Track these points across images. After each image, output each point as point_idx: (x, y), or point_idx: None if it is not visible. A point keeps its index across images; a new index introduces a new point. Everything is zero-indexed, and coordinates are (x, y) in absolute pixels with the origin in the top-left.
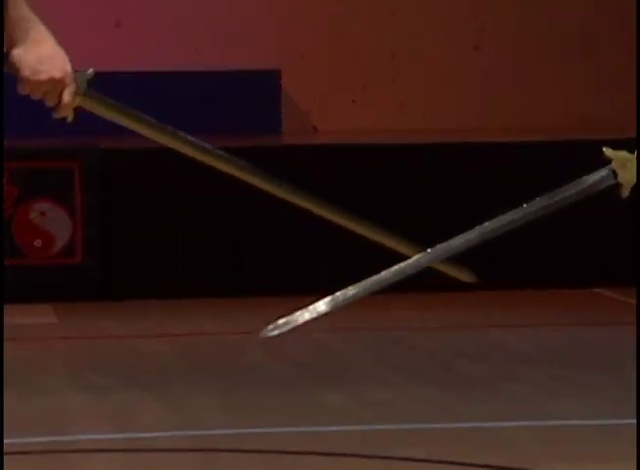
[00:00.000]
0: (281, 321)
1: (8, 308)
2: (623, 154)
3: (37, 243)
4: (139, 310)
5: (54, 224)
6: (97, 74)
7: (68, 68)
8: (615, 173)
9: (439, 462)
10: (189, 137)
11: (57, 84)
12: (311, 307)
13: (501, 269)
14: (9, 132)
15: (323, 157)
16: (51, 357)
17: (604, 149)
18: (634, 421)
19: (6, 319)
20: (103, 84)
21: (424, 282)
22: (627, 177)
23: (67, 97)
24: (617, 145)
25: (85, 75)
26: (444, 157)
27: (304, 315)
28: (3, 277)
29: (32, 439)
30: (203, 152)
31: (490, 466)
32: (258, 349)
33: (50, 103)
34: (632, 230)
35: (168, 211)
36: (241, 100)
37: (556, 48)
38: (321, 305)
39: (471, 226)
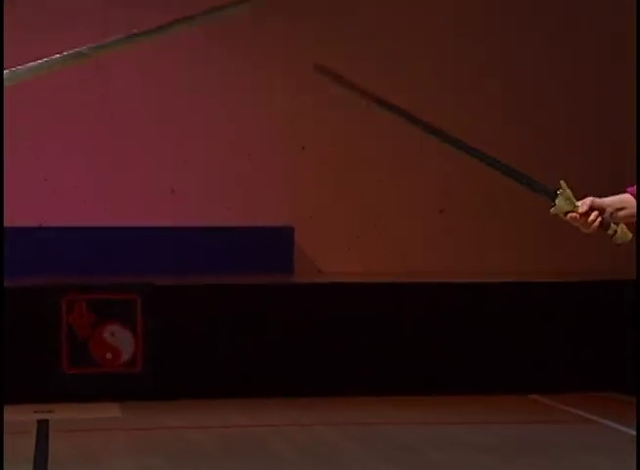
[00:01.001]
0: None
1: (87, 406)
2: (570, 195)
3: (108, 356)
4: (185, 407)
5: (121, 342)
6: (158, 229)
7: None
8: (555, 197)
9: None
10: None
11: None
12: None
13: (456, 378)
14: (90, 271)
15: (325, 292)
16: (116, 444)
17: (561, 182)
18: None
19: (85, 414)
20: (175, 237)
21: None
22: (558, 206)
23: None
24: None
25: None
26: (415, 293)
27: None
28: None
29: None
30: None
31: None
32: (279, 440)
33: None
34: (559, 347)
35: (207, 331)
36: (264, 248)
37: (509, 208)
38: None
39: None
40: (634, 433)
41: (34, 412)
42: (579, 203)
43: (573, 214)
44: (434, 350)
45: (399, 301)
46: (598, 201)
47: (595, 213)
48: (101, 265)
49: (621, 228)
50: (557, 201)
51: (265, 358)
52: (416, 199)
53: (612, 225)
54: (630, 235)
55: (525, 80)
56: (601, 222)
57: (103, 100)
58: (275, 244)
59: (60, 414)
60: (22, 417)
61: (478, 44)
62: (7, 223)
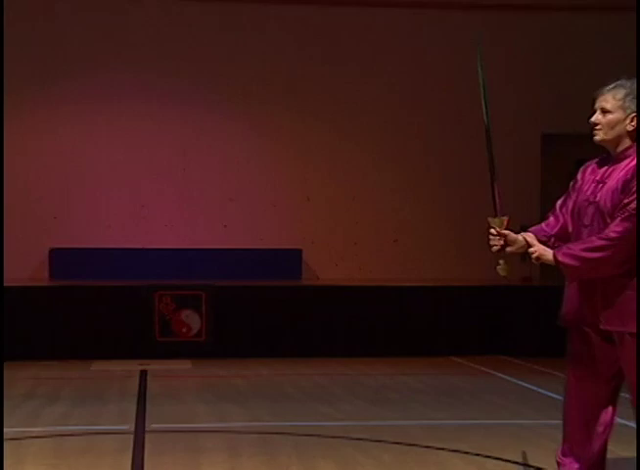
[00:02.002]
0: None
1: (170, 361)
2: (504, 221)
3: (184, 330)
4: (230, 363)
5: (192, 321)
6: (215, 250)
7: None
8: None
9: None
10: None
11: None
12: None
13: (405, 346)
14: (173, 277)
15: (321, 291)
16: (188, 385)
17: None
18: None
19: (169, 366)
20: (226, 255)
21: None
22: (492, 221)
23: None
24: None
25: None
26: (379, 291)
27: None
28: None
29: (170, 425)
30: None
31: None
32: (289, 385)
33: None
34: (470, 326)
35: (245, 315)
36: (283, 263)
37: (460, 239)
38: None
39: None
40: (516, 381)
41: (138, 365)
42: (504, 232)
43: (493, 230)
44: (394, 327)
45: (369, 296)
46: (512, 234)
47: (499, 240)
48: (180, 273)
49: (503, 264)
50: (494, 218)
51: (282, 331)
52: (378, 232)
53: (500, 261)
54: (505, 274)
55: None
56: (498, 249)
57: (183, 160)
58: (290, 260)
59: (153, 366)
60: (130, 368)
61: None
62: (118, 245)
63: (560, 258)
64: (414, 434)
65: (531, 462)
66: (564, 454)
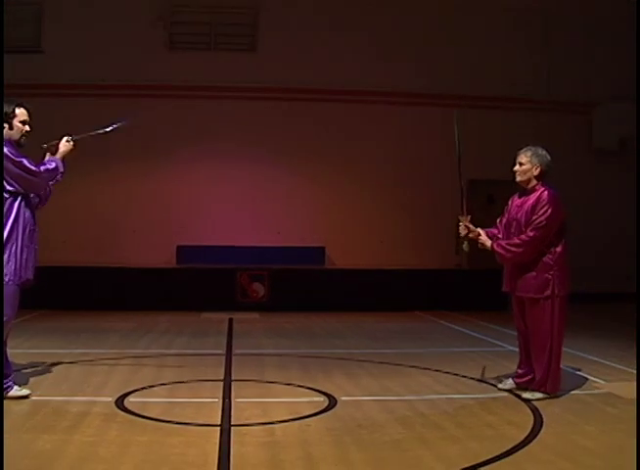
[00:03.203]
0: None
1: (246, 313)
2: (466, 218)
3: (254, 294)
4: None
5: (259, 289)
6: (273, 248)
7: None
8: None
9: None
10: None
11: None
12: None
13: (385, 305)
14: (250, 263)
15: (336, 272)
16: (257, 327)
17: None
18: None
19: (245, 316)
20: (279, 251)
21: None
22: (462, 219)
23: None
24: None
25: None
26: (375, 273)
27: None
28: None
29: (246, 350)
30: None
31: None
32: (319, 327)
33: None
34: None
35: (291, 288)
36: (313, 255)
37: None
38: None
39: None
40: (450, 325)
41: (227, 315)
42: (468, 224)
43: (461, 224)
44: (381, 293)
45: (367, 275)
46: (472, 226)
47: (464, 229)
48: (253, 260)
49: (466, 244)
50: (462, 216)
51: (313, 295)
52: (370, 236)
53: (464, 242)
54: (467, 250)
55: None
56: (465, 234)
57: (256, 194)
58: (318, 253)
59: (236, 316)
60: (223, 317)
61: None
62: (217, 243)
63: (494, 247)
64: (392, 357)
65: (466, 374)
66: (518, 367)
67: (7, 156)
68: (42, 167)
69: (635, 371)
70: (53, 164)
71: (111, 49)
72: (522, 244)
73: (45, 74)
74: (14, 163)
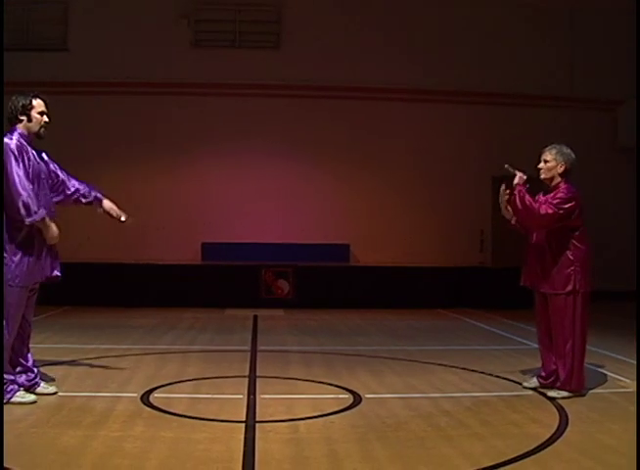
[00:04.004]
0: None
1: (271, 310)
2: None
3: (279, 291)
4: (308, 312)
5: (284, 286)
6: (300, 244)
7: None
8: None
9: None
10: None
11: None
12: None
13: (409, 302)
14: (275, 259)
15: (360, 269)
16: (281, 324)
17: (506, 166)
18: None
19: (270, 313)
20: (303, 248)
21: None
22: (502, 191)
23: None
24: None
25: None
26: (394, 270)
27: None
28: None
29: (270, 347)
30: None
31: None
32: (341, 324)
33: None
34: (446, 294)
35: (318, 284)
36: (338, 252)
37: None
38: None
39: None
40: (475, 323)
41: (252, 311)
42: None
43: (505, 191)
44: (404, 291)
45: (389, 272)
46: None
47: (506, 192)
48: (277, 257)
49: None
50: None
51: (336, 292)
52: (392, 236)
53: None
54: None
55: None
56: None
57: (285, 192)
58: (343, 250)
59: (261, 313)
60: (247, 313)
61: None
62: (242, 240)
63: (518, 189)
64: (416, 354)
65: (492, 372)
66: (542, 369)
67: (7, 162)
68: (24, 195)
69: None
70: (39, 212)
71: (135, 47)
72: (536, 213)
73: (70, 73)
74: (8, 172)
